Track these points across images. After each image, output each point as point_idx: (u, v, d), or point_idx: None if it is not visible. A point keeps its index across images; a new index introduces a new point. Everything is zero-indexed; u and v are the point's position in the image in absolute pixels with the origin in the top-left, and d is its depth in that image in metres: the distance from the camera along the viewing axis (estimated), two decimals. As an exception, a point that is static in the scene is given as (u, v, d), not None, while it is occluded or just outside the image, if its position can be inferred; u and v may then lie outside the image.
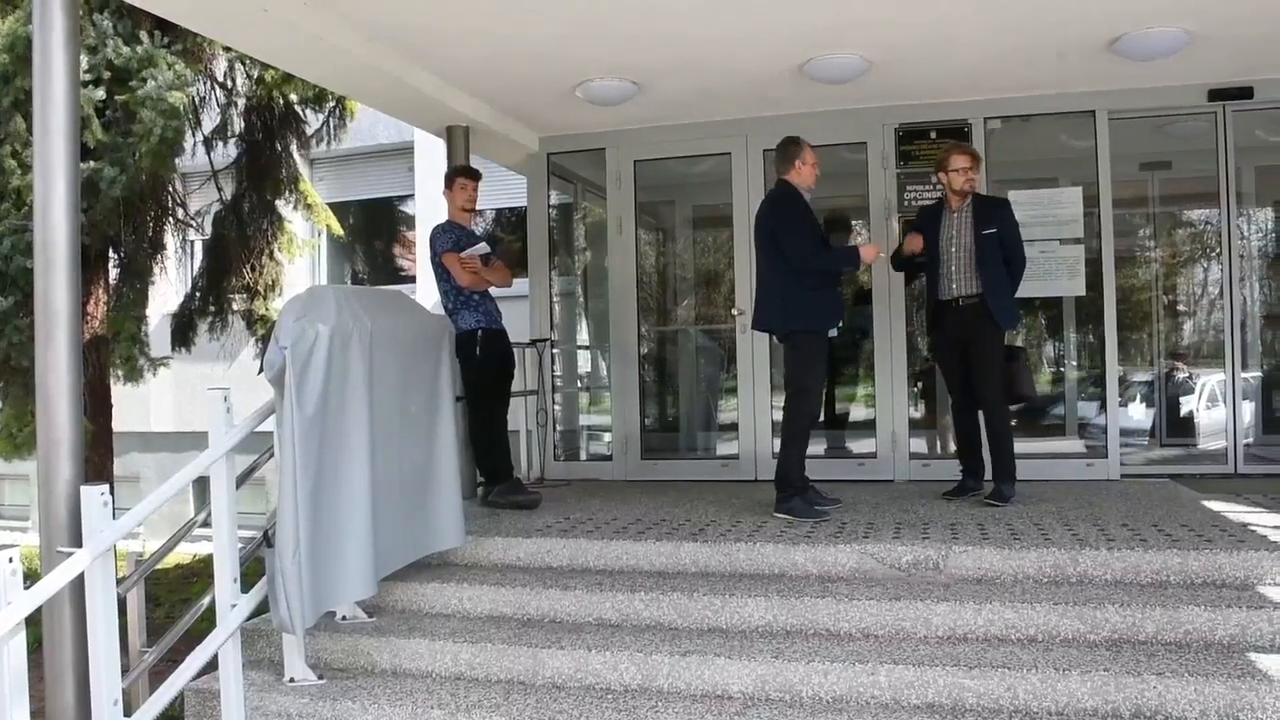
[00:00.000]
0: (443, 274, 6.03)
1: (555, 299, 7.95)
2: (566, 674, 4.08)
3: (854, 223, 7.96)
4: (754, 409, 7.26)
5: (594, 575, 4.78)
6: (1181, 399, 10.06)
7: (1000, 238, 5.72)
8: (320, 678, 4.16)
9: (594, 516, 5.69)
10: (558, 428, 7.93)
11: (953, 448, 6.44)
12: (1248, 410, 9.03)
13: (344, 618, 4.51)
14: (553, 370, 7.77)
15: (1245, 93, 6.76)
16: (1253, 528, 4.89)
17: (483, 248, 6.09)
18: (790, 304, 5.46)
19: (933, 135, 7.00)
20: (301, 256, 9.17)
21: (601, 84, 6.40)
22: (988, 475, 5.95)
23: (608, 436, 7.80)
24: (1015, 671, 3.72)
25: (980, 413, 5.91)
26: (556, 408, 7.92)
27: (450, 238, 6.04)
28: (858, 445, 7.52)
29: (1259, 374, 9.10)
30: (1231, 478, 6.96)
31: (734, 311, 7.27)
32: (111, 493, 3.61)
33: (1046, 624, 4.06)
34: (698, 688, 3.93)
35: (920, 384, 7.57)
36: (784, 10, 5.30)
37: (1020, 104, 6.93)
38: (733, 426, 7.46)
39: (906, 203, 7.04)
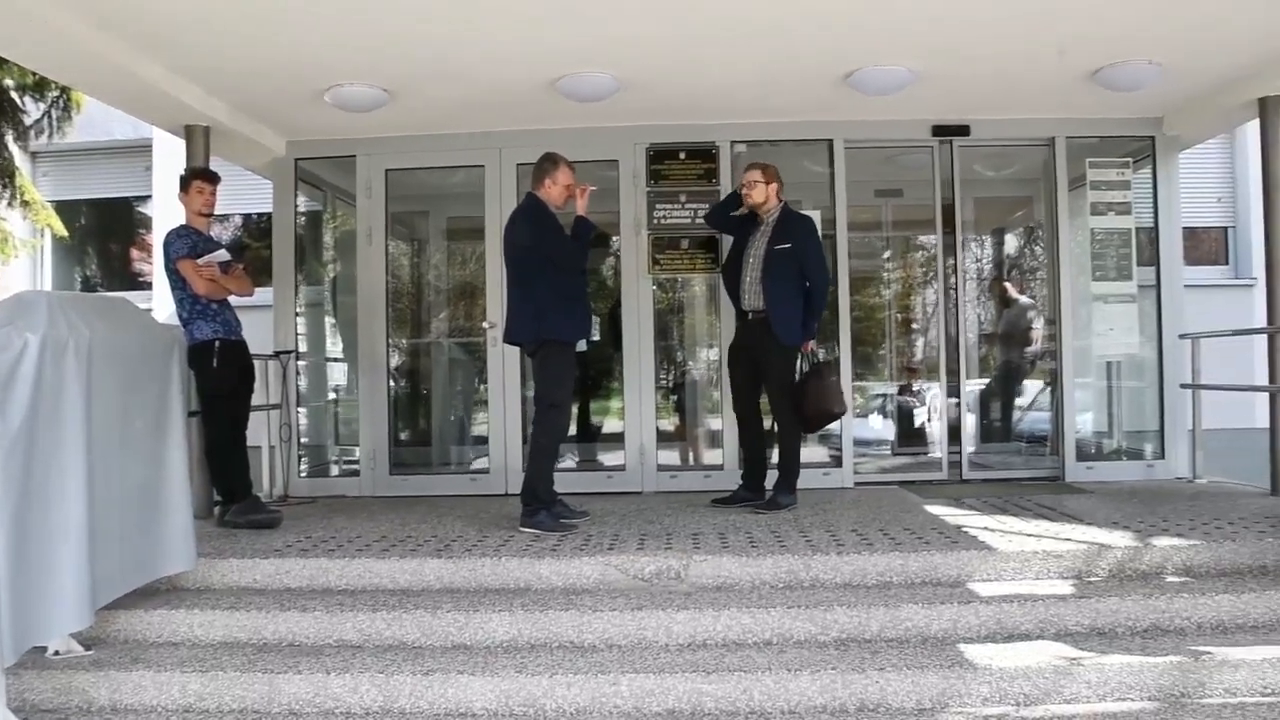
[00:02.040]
0: (178, 281, 5.70)
1: (301, 309, 7.66)
2: (304, 699, 3.91)
3: (612, 238, 8.07)
4: (505, 422, 7.24)
5: (335, 595, 4.62)
6: (913, 411, 10.79)
7: (795, 254, 5.92)
8: (24, 721, 3.81)
9: (337, 535, 5.51)
10: (303, 443, 7.63)
11: (700, 459, 6.67)
12: (970, 420, 9.80)
13: (56, 652, 4.12)
14: (297, 383, 7.47)
15: (963, 130, 7.35)
16: (966, 530, 5.30)
17: (221, 254, 5.80)
18: (541, 316, 5.49)
19: (682, 155, 7.22)
20: (18, 258, 8.43)
21: (351, 90, 6.22)
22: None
23: (357, 452, 7.57)
24: (751, 675, 3.86)
25: (765, 424, 6.12)
26: (302, 422, 7.62)
27: (186, 243, 5.72)
28: (607, 458, 7.63)
29: (977, 387, 9.89)
30: (956, 483, 7.49)
31: (485, 324, 7.23)
32: None
33: (781, 627, 4.24)
34: (441, 706, 3.86)
35: (670, 396, 7.77)
36: (536, 26, 5.34)
37: (765, 129, 7.26)
38: (484, 440, 7.40)
39: (656, 220, 7.23)
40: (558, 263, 5.50)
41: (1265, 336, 6.56)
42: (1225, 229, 10.21)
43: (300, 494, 7.15)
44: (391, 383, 7.74)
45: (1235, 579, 4.63)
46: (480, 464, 7.54)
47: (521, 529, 5.45)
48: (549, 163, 5.68)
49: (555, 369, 5.55)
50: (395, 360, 7.97)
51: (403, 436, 8.35)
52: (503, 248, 5.87)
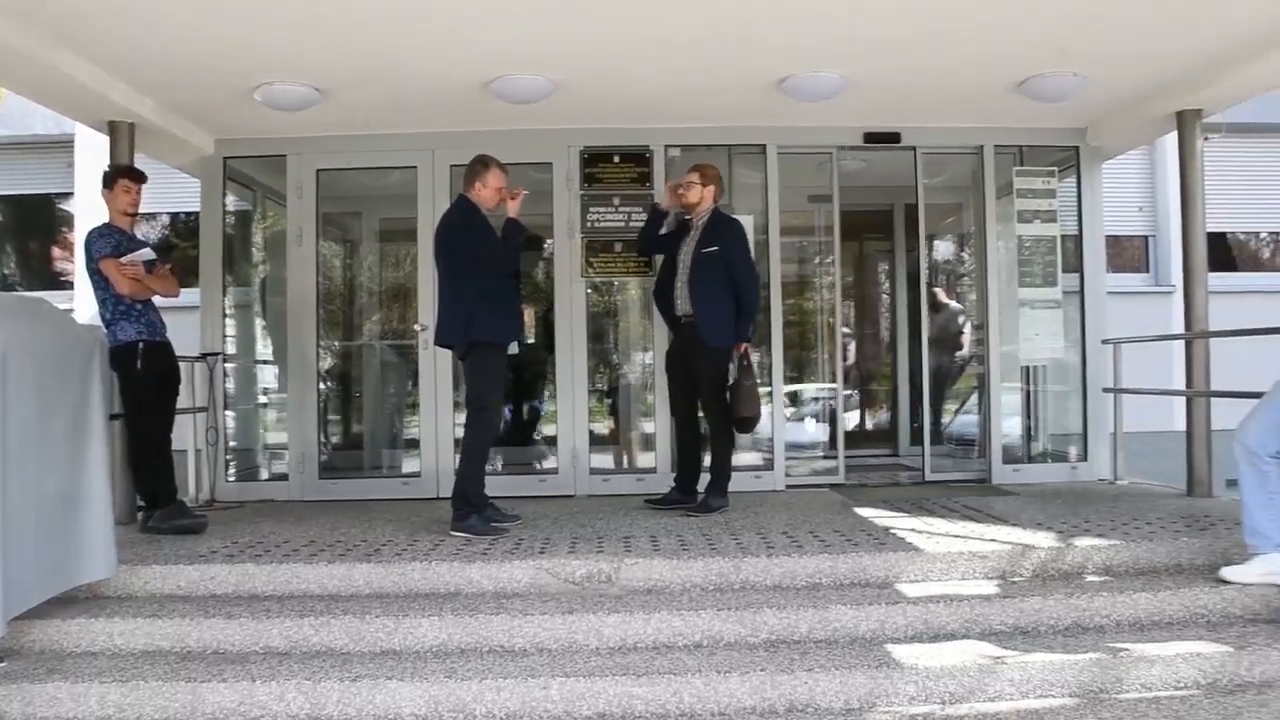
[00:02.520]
0: (100, 281, 5.57)
1: (230, 311, 7.53)
2: (229, 708, 3.83)
3: (545, 241, 8.05)
4: (436, 425, 7.18)
5: (262, 601, 4.55)
6: (845, 415, 10.90)
7: (723, 256, 5.94)
8: (-71, 738, 3.70)
9: (265, 539, 5.43)
10: (231, 447, 7.50)
11: (635, 462, 6.67)
12: (903, 423, 9.97)
13: (-35, 664, 4.02)
14: (225, 386, 7.34)
15: (894, 137, 7.46)
16: (894, 531, 5.38)
17: (146, 253, 5.69)
18: (471, 318, 5.45)
19: (616, 159, 7.23)
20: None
21: (282, 88, 6.13)
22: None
23: (286, 455, 7.46)
24: (681, 677, 3.88)
25: (699, 427, 6.16)
26: (230, 425, 7.48)
27: (109, 242, 5.60)
28: (540, 461, 7.61)
29: (908, 390, 10.05)
30: (888, 485, 7.63)
31: (416, 326, 7.17)
32: None
33: (711, 629, 4.26)
34: (369, 713, 3.82)
35: (604, 400, 7.78)
36: (470, 28, 5.32)
37: (699, 134, 7.28)
38: (416, 443, 7.34)
39: (590, 224, 7.23)
40: (487, 265, 5.48)
41: (1183, 342, 6.74)
42: (1146, 238, 10.46)
43: (227, 499, 7.02)
44: (322, 385, 7.64)
45: (1152, 577, 4.75)
46: (412, 467, 7.47)
47: (452, 533, 5.41)
48: (480, 165, 5.65)
49: (485, 371, 5.52)
50: (326, 363, 7.87)
51: (334, 440, 8.25)
52: (434, 249, 5.82)
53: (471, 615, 4.29)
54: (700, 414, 6.24)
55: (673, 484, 6.37)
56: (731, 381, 6.02)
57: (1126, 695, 3.94)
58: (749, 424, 6.14)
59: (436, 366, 7.13)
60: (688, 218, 6.16)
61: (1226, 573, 4.62)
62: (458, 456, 5.69)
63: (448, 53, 5.70)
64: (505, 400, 6.20)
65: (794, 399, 10.29)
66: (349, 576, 4.70)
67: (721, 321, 5.95)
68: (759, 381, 6.30)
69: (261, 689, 3.85)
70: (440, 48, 5.62)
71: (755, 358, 6.49)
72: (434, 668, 3.99)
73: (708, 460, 6.24)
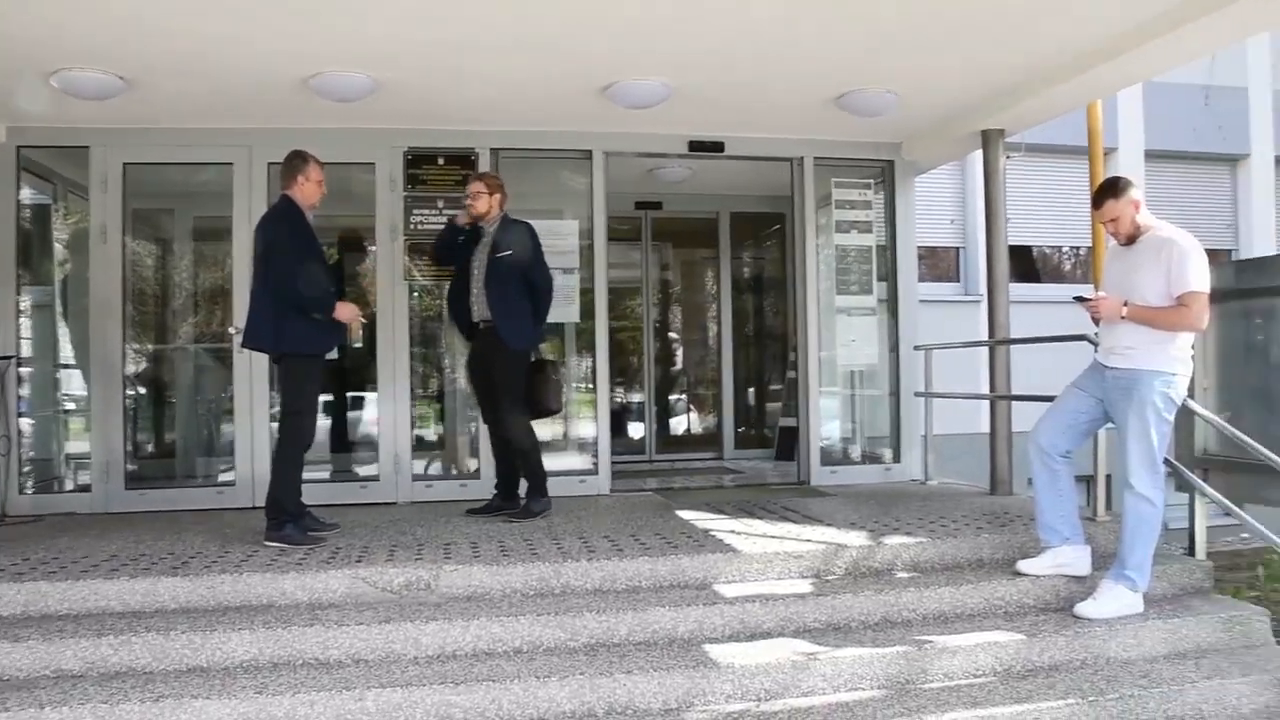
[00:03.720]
0: None
1: (26, 311, 7.06)
2: (11, 737, 3.60)
3: (366, 243, 7.85)
4: (252, 432, 6.90)
5: (55, 622, 4.28)
6: (671, 420, 11.11)
7: (516, 260, 5.90)
8: None
9: (61, 555, 5.10)
10: (29, 457, 7.03)
11: (462, 468, 6.58)
12: (728, 426, 10.19)
13: None
14: (19, 391, 6.88)
15: (718, 146, 7.60)
16: (714, 533, 5.48)
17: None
18: (282, 324, 5.28)
19: (441, 161, 7.12)
20: None
21: (82, 75, 5.75)
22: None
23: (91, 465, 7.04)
24: (500, 684, 3.87)
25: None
26: (25, 434, 7.02)
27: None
28: (361, 468, 7.43)
29: (733, 394, 10.29)
30: (711, 488, 7.76)
31: (231, 329, 6.88)
32: None
33: (531, 635, 4.26)
34: (171, 733, 3.65)
35: (427, 405, 7.66)
36: (280, 16, 5.09)
37: (526, 138, 7.24)
38: (231, 451, 7.04)
39: (413, 226, 7.09)
40: (273, 275, 5.28)
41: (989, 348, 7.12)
42: (958, 249, 10.99)
43: (21, 512, 6.57)
44: (130, 391, 7.24)
45: (956, 572, 5.01)
46: (227, 476, 7.16)
47: (267, 543, 5.22)
48: (299, 160, 5.46)
49: (298, 377, 5.35)
50: (134, 367, 7.47)
51: (144, 448, 7.84)
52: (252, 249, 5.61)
53: (285, 628, 4.16)
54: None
55: (494, 490, 6.32)
56: (534, 379, 6.06)
57: (931, 685, 4.15)
58: (540, 416, 6.19)
59: (252, 371, 6.87)
60: (479, 225, 6.11)
61: (1022, 565, 4.92)
62: (274, 464, 5.49)
63: (263, 46, 5.46)
64: (327, 405, 5.99)
65: (619, 403, 10.42)
66: (153, 591, 4.48)
67: (520, 325, 5.94)
68: (560, 380, 6.33)
69: (51, 715, 3.62)
70: (254, 40, 5.38)
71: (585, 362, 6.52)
72: (244, 684, 3.86)
73: None
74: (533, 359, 6.19)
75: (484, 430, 6.62)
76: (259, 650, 4.10)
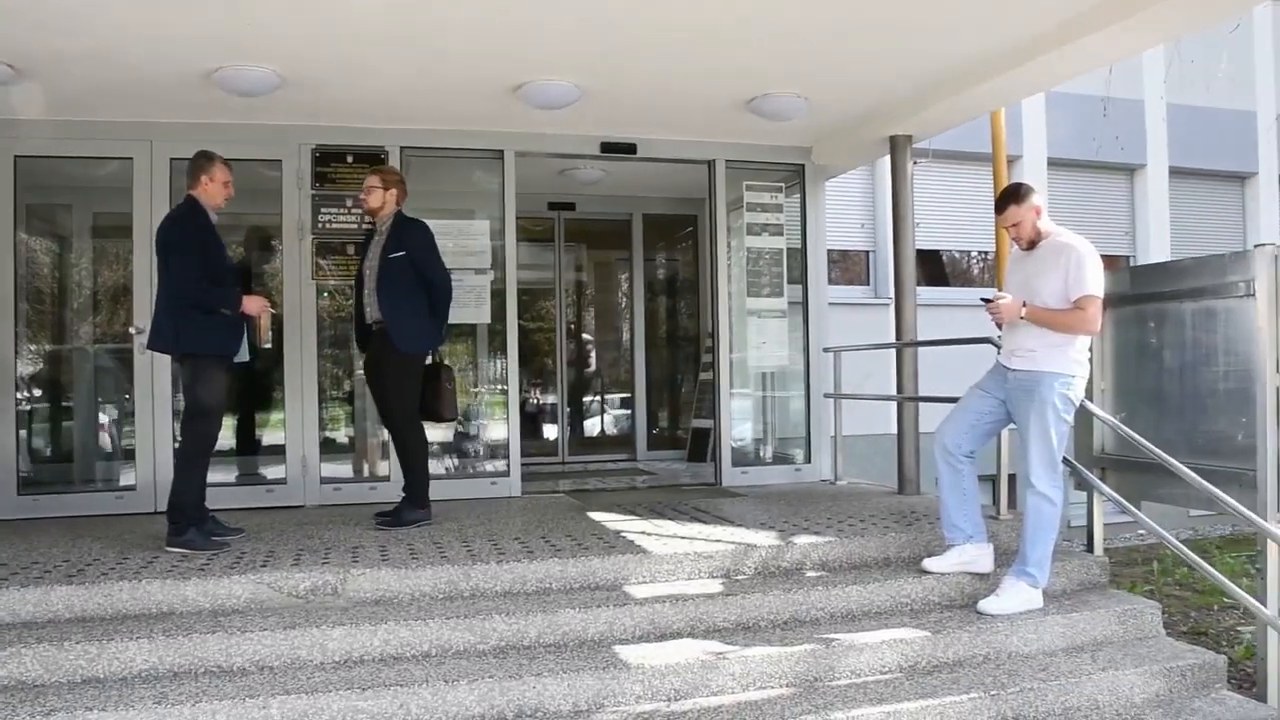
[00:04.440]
0: None
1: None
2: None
3: (274, 242, 7.69)
4: (154, 435, 6.71)
5: (-66, 636, 4.10)
6: (584, 422, 11.11)
7: (411, 260, 5.78)
8: None
9: (-55, 564, 4.90)
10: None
11: (373, 470, 6.47)
12: (641, 428, 10.22)
13: None
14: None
15: (630, 148, 7.61)
16: (625, 534, 5.49)
17: None
18: (184, 325, 5.15)
19: (350, 159, 7.01)
20: None
21: (-33, 64, 5.55)
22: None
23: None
24: (408, 688, 3.82)
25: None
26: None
27: None
28: (267, 471, 7.27)
29: (645, 395, 10.33)
30: (623, 490, 7.76)
31: (132, 329, 6.68)
32: None
33: (440, 638, 4.21)
34: (62, 747, 3.52)
35: (337, 407, 7.53)
36: (184, 8, 4.91)
37: (437, 136, 7.16)
38: (132, 454, 6.83)
39: (321, 224, 6.97)
40: (178, 274, 5.14)
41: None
42: (868, 253, 11.16)
43: (-100, 520, 6.29)
44: (23, 393, 6.99)
45: (863, 571, 5.08)
46: (127, 480, 6.95)
47: (168, 549, 5.07)
48: (204, 159, 5.32)
49: (201, 379, 5.20)
50: (29, 368, 7.20)
51: (38, 452, 7.56)
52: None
53: (186, 635, 4.04)
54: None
55: (402, 493, 6.22)
56: (427, 385, 5.93)
57: (838, 682, 4.21)
58: (442, 422, 6.12)
59: (154, 372, 6.68)
60: (371, 224, 6.01)
61: (927, 563, 5.01)
62: (175, 467, 5.34)
63: (165, 35, 5.27)
64: (233, 406, 5.83)
65: (532, 405, 10.39)
66: (45, 600, 4.31)
67: (413, 327, 5.78)
68: (454, 388, 6.22)
69: (-74, 734, 3.47)
70: (150, 30, 5.18)
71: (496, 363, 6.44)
72: (142, 694, 3.74)
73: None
74: (430, 363, 6.03)
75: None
76: (159, 659, 3.98)
